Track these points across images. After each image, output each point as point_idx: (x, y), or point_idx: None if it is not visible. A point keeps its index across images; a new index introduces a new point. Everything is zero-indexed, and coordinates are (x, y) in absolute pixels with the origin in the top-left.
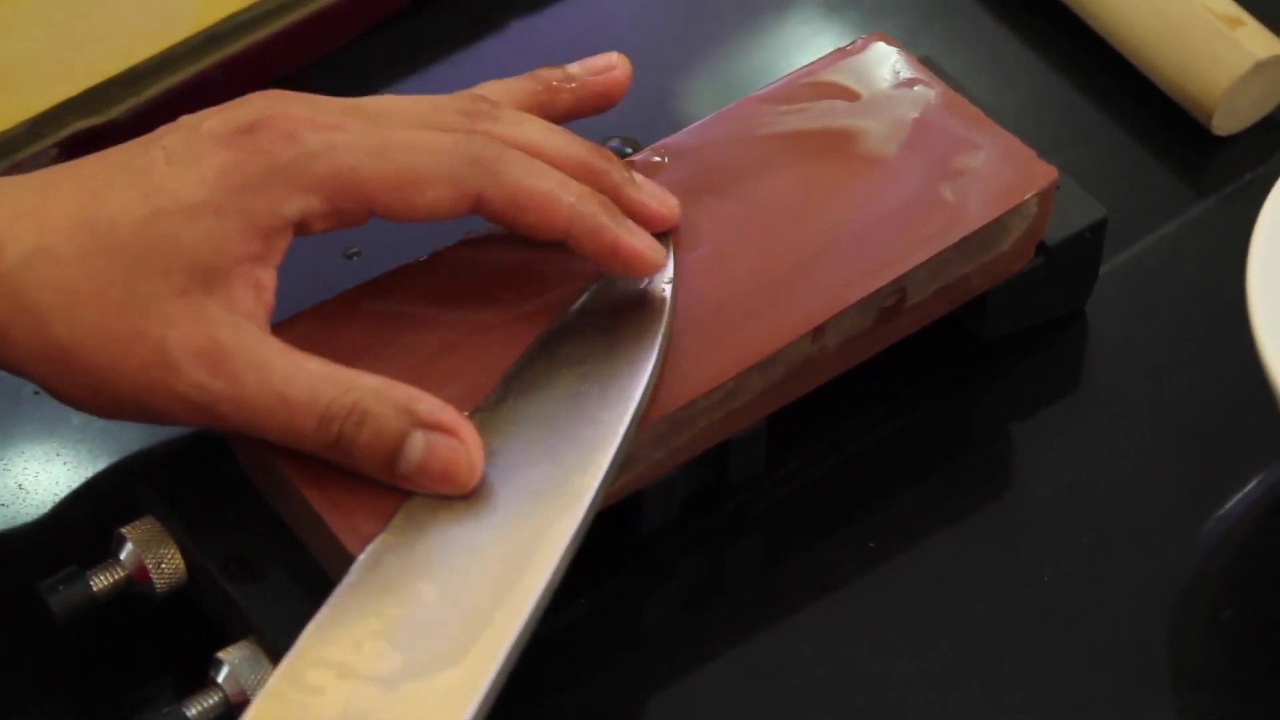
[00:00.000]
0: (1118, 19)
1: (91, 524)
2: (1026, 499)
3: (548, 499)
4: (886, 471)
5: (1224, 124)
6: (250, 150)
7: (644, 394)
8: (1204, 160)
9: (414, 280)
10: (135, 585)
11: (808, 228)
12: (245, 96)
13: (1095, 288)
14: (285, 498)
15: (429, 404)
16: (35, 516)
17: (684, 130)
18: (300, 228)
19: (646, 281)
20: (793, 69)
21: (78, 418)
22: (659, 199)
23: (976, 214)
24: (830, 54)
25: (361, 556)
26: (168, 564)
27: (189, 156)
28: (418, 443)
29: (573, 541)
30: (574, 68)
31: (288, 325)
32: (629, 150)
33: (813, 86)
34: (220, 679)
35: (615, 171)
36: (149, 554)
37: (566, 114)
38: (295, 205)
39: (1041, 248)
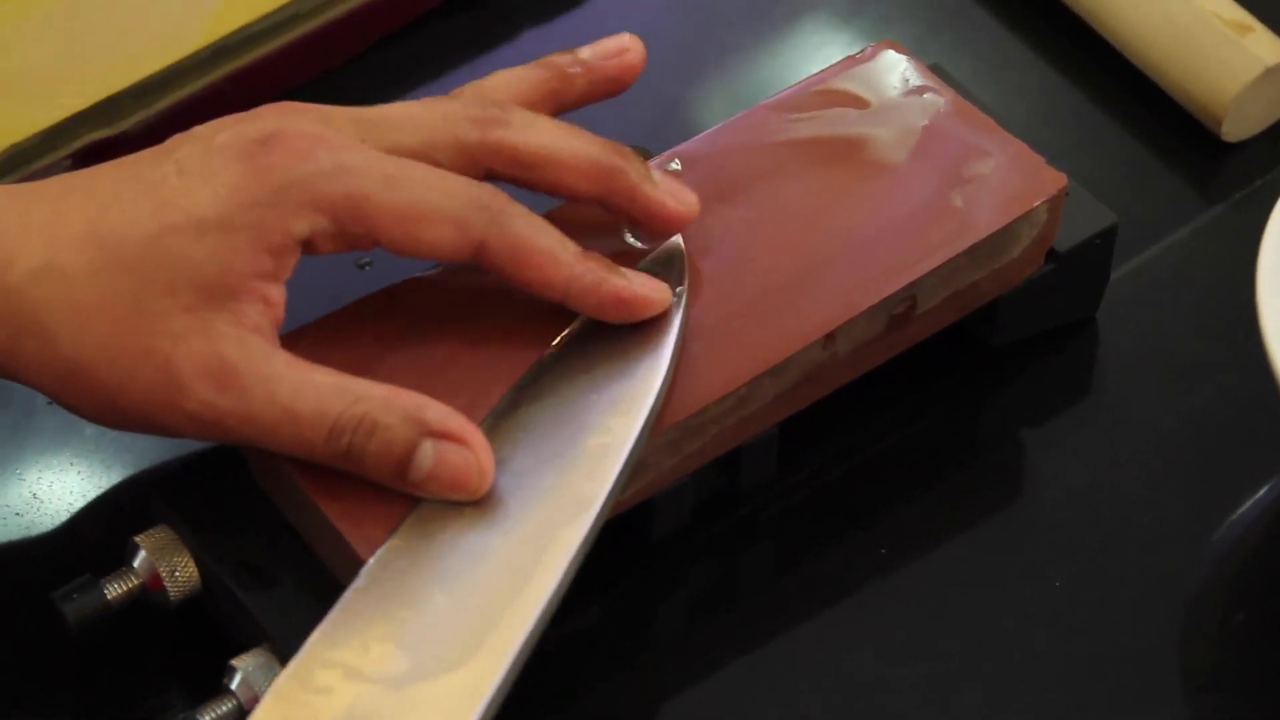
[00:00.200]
0: (1127, 26)
1: (105, 533)
2: (1036, 505)
3: (557, 506)
4: (897, 477)
5: (1233, 130)
6: (262, 165)
7: (655, 402)
8: (1214, 166)
9: (424, 291)
10: (149, 593)
11: (818, 235)
12: (257, 109)
13: (1105, 294)
14: (297, 505)
15: (437, 412)
16: (50, 526)
17: (695, 138)
18: (308, 247)
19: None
20: (803, 77)
21: (91, 428)
22: (677, 196)
23: (986, 221)
24: (840, 62)
25: (371, 560)
26: (181, 572)
27: (201, 171)
28: (427, 451)
29: (580, 548)
30: (585, 51)
31: (297, 335)
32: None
33: (823, 94)
34: (234, 686)
35: (632, 169)
36: (163, 562)
37: (579, 100)
38: (305, 223)
39: (1051, 254)
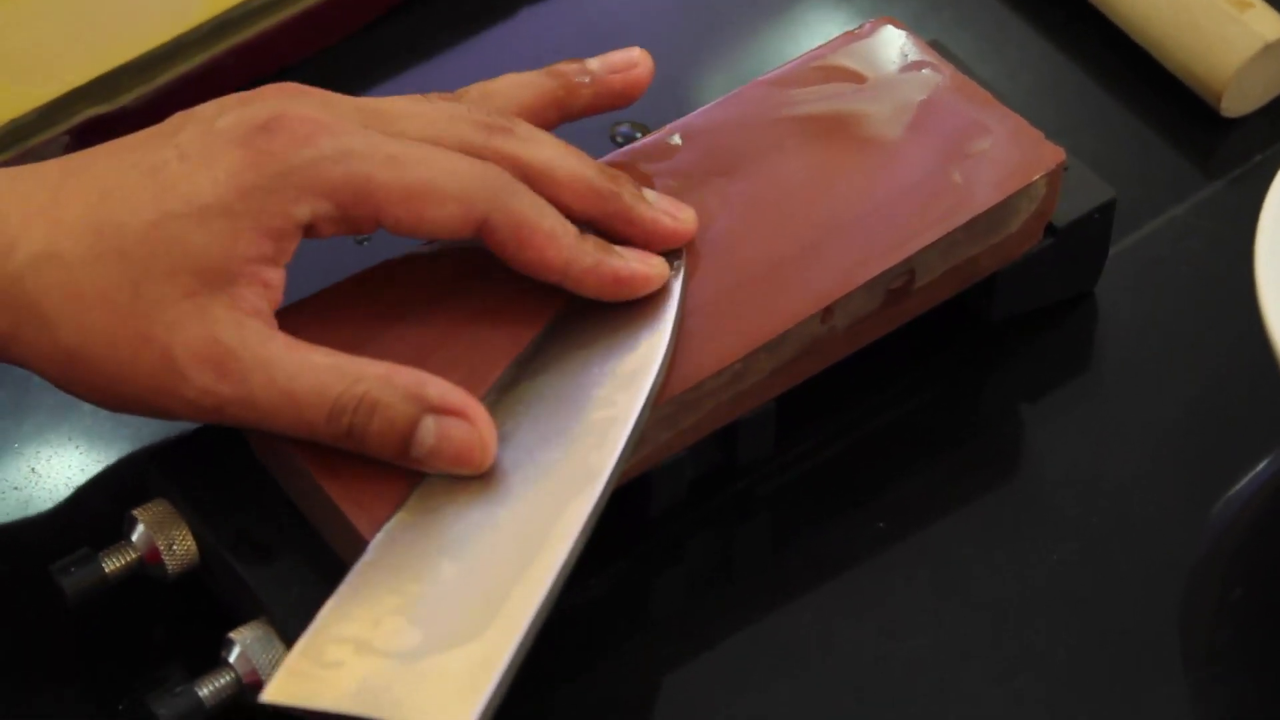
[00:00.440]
0: (1127, 2)
1: (104, 507)
2: (1035, 480)
3: (563, 477)
4: (895, 453)
5: (1233, 106)
6: (264, 151)
7: (658, 374)
8: (1213, 142)
9: (423, 266)
10: (147, 567)
11: (816, 209)
12: (259, 90)
13: (1104, 269)
14: (298, 482)
15: (438, 387)
16: (48, 500)
17: (693, 113)
18: (310, 231)
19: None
20: (802, 53)
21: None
22: (671, 213)
23: (985, 195)
24: (839, 37)
25: (379, 535)
26: (179, 545)
27: (202, 156)
28: (429, 427)
29: (589, 519)
30: (594, 63)
31: (295, 310)
32: (639, 135)
33: (821, 70)
34: (232, 659)
35: (625, 192)
36: (161, 536)
37: (584, 111)
38: (306, 208)
39: (1050, 229)
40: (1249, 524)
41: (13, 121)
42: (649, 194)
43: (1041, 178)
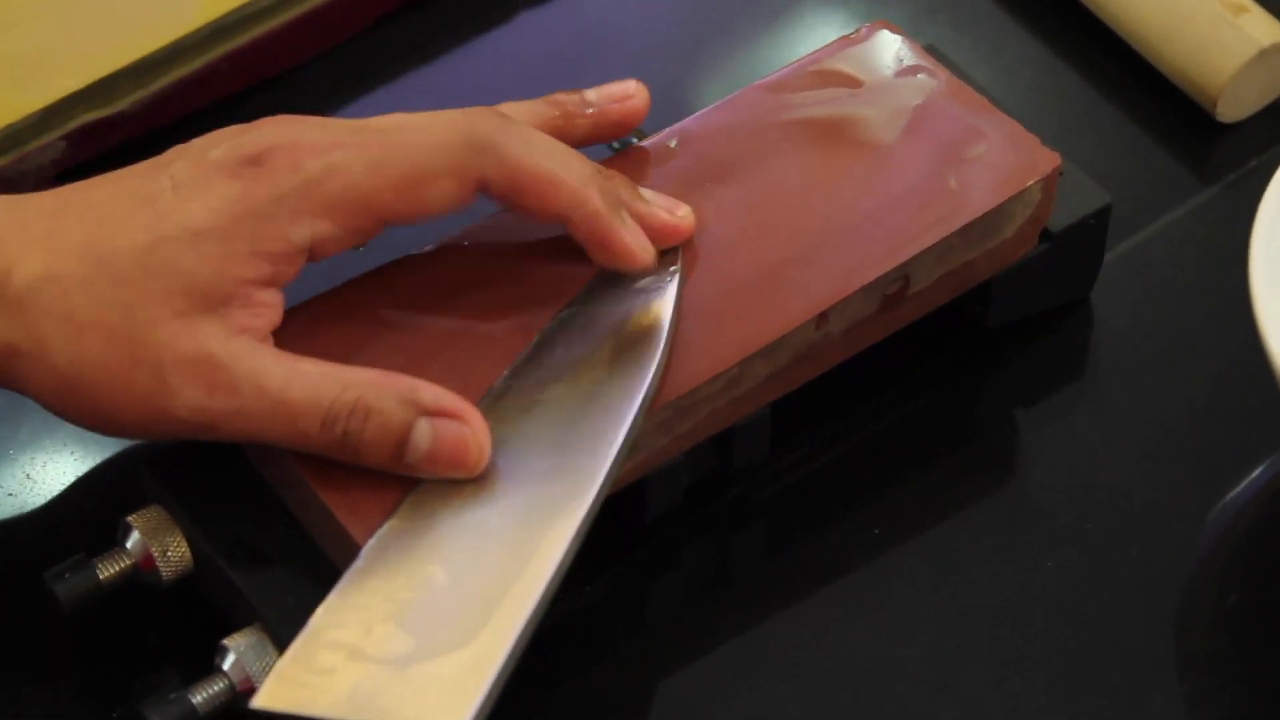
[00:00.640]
0: (1122, 6)
1: (98, 513)
2: (1030, 486)
3: (557, 483)
4: (890, 458)
5: (1228, 111)
6: (255, 182)
7: (653, 381)
8: (1208, 147)
9: (416, 272)
10: (141, 573)
11: (812, 214)
12: (257, 123)
13: (1100, 275)
14: (292, 488)
15: (431, 392)
16: (43, 506)
17: (689, 118)
18: (314, 252)
19: (653, 270)
20: (797, 58)
21: None
22: (668, 209)
23: (980, 200)
24: (834, 42)
25: (372, 541)
26: (174, 552)
27: (195, 186)
28: (424, 430)
29: (582, 525)
30: (592, 94)
31: (289, 318)
32: (635, 139)
33: (817, 74)
34: (226, 666)
35: (622, 191)
36: (155, 542)
37: (582, 141)
38: (304, 230)
39: (1045, 234)
40: (1245, 529)
41: (10, 126)
42: (646, 193)
43: (1037, 183)
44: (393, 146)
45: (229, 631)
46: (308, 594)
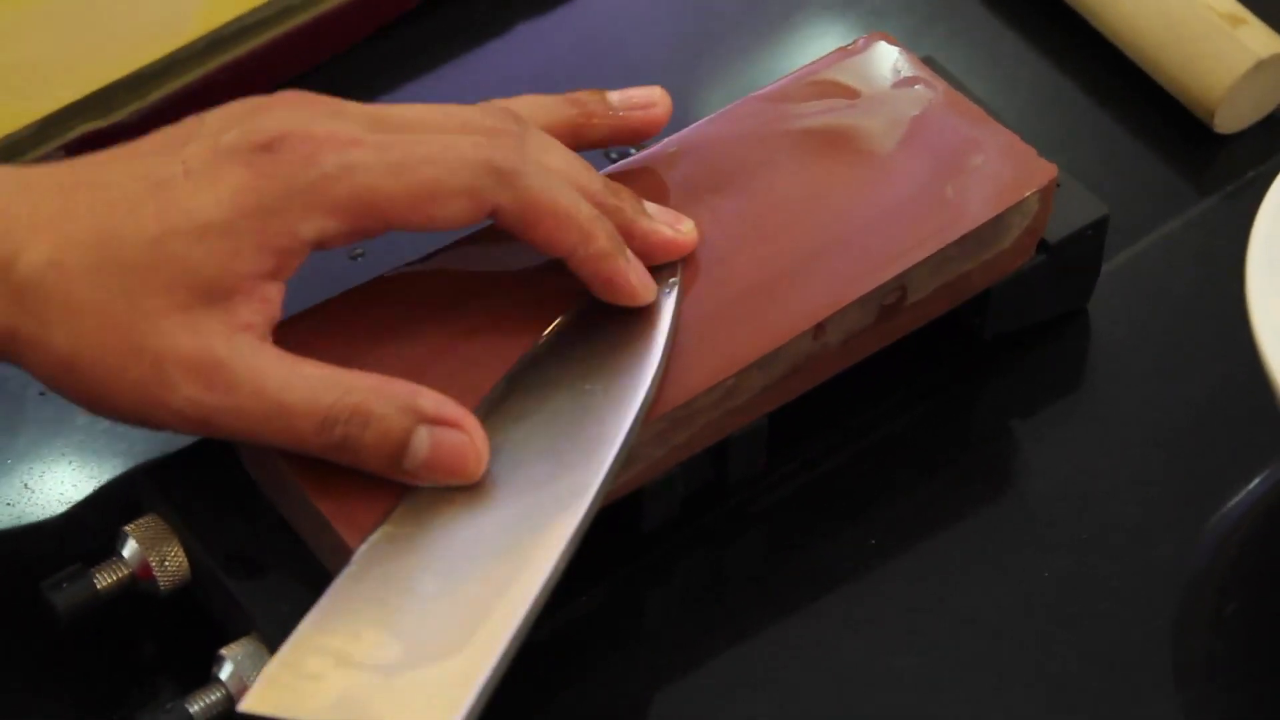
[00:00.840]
0: (1120, 18)
1: (96, 523)
2: (1027, 496)
3: (550, 494)
4: (888, 469)
5: (1226, 122)
6: (267, 172)
7: (648, 392)
8: (1206, 158)
9: (416, 280)
10: (139, 583)
11: (809, 225)
12: (269, 100)
13: (1097, 286)
14: (286, 494)
15: (430, 399)
16: (40, 516)
17: (687, 129)
18: (318, 245)
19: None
20: (795, 69)
21: (83, 418)
22: (671, 224)
23: (977, 211)
24: (832, 53)
25: (363, 547)
26: (171, 562)
27: (206, 173)
28: (423, 438)
29: (574, 537)
30: (615, 97)
31: (289, 325)
32: (634, 150)
33: (814, 85)
34: (223, 675)
35: (628, 206)
36: (152, 552)
37: (598, 143)
38: (312, 226)
39: (1043, 245)
40: (1243, 539)
41: (8, 137)
42: (650, 207)
43: (1034, 194)
44: (414, 154)
45: (226, 641)
46: (305, 604)
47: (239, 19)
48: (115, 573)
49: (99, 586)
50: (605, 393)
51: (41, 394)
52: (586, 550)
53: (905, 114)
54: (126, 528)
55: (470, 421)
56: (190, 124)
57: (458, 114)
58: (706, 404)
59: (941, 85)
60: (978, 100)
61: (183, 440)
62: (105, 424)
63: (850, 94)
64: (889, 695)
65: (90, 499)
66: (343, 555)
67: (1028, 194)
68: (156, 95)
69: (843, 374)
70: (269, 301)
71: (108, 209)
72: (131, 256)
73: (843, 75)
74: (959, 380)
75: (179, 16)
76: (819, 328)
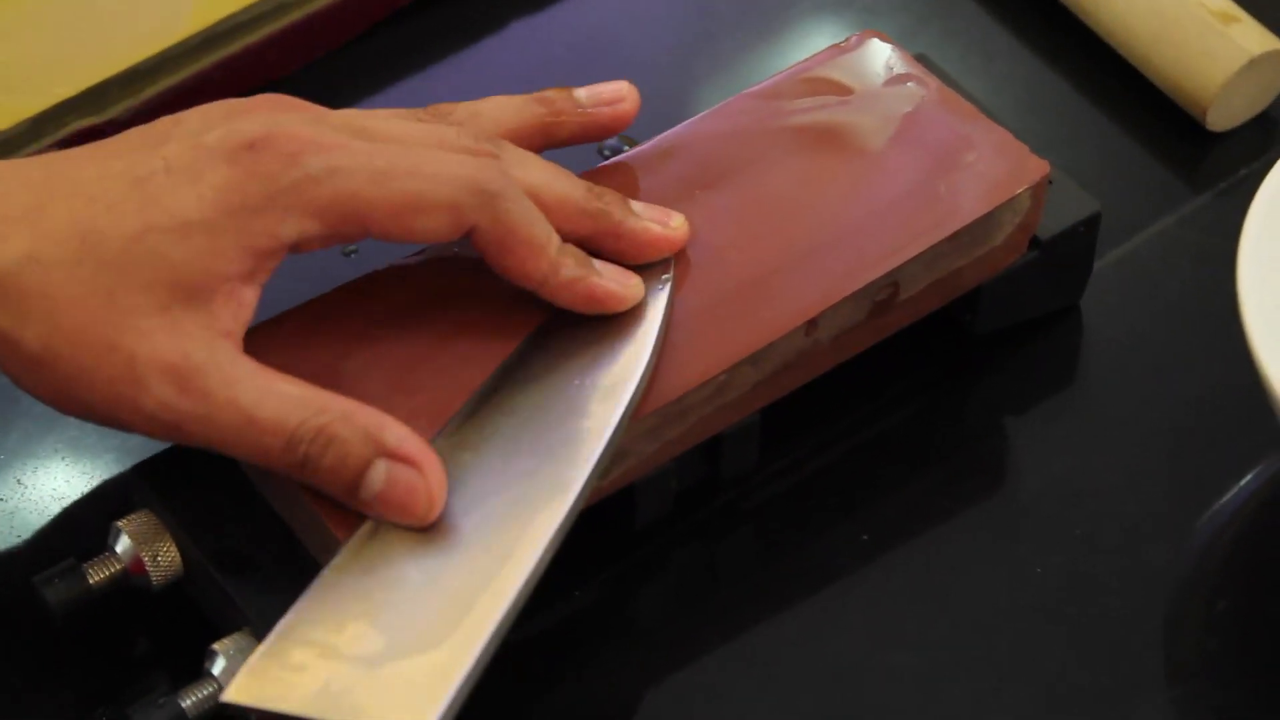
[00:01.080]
0: (1113, 16)
1: (88, 518)
2: (1020, 493)
3: (535, 488)
4: (880, 465)
5: (1219, 120)
6: (250, 171)
7: (637, 388)
8: (1199, 156)
9: (407, 277)
10: (131, 578)
11: (801, 222)
12: (249, 101)
13: (1089, 283)
14: (279, 489)
15: (396, 433)
16: (33, 511)
17: (679, 126)
18: (295, 248)
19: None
20: (788, 66)
21: None
22: (660, 220)
23: (969, 208)
24: (825, 50)
25: (350, 541)
26: (164, 557)
27: (188, 170)
28: (380, 471)
29: (558, 532)
30: (582, 94)
31: (271, 325)
32: (626, 147)
33: (807, 82)
34: (215, 671)
35: (614, 209)
36: (145, 547)
37: (568, 141)
38: (292, 228)
39: (1035, 242)
40: (1235, 536)
41: (1, 133)
42: (636, 205)
43: (1026, 191)
44: (399, 165)
45: (218, 636)
46: (296, 598)
47: (232, 16)
48: (108, 568)
49: (91, 582)
50: (594, 387)
51: None
52: (579, 546)
53: (897, 111)
54: (119, 523)
55: (430, 464)
56: (165, 124)
57: (435, 131)
58: (699, 400)
59: (934, 82)
60: (971, 98)
61: None
62: None
63: (843, 91)
64: (881, 690)
65: (83, 495)
66: (333, 549)
67: (1020, 191)
68: (150, 92)
69: (835, 370)
70: (245, 306)
71: (86, 205)
72: (111, 252)
73: (835, 72)
74: (951, 377)
75: (173, 14)
76: (811, 324)
